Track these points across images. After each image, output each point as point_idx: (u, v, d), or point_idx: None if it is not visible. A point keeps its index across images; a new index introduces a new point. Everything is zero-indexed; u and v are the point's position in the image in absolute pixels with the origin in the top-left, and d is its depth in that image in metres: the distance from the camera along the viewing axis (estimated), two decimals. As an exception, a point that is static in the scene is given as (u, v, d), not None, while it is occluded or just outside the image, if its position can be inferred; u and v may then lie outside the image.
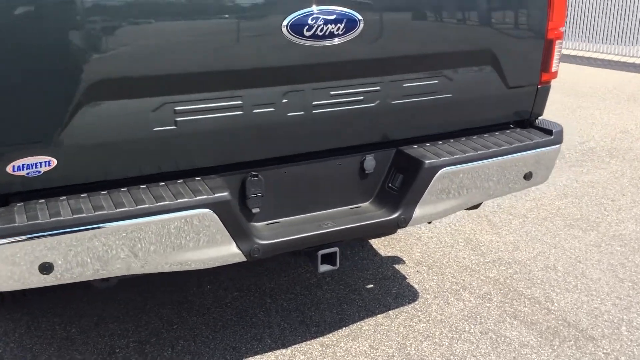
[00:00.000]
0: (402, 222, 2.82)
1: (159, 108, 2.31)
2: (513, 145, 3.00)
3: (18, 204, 2.22)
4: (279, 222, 2.74)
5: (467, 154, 2.88)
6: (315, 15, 2.43)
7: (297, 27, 2.41)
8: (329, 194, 2.84)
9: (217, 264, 2.50)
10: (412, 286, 3.93)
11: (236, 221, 2.45)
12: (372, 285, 3.93)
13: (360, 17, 2.53)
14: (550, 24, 3.02)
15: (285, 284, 3.92)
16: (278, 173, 2.69)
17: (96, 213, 2.21)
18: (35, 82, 2.10)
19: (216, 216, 2.39)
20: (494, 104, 3.07)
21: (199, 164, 2.49)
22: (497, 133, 3.14)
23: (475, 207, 3.34)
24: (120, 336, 3.39)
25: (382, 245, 4.44)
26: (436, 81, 2.85)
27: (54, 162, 2.22)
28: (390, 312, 3.65)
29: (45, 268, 2.19)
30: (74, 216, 2.18)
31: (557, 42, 3.06)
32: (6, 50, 2.03)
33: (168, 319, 3.55)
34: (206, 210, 2.37)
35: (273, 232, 2.63)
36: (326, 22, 2.45)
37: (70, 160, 2.25)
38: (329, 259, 2.76)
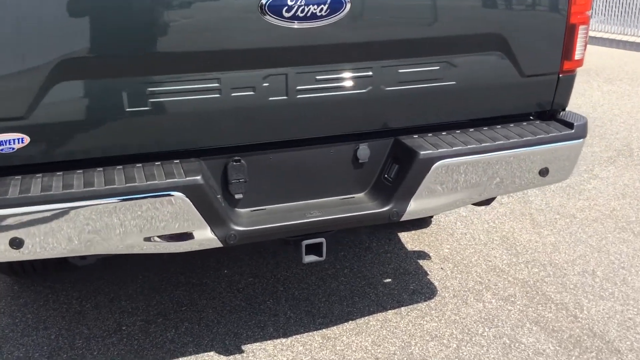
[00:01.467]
0: (395, 216, 2.68)
1: (132, 88, 2.30)
2: (523, 139, 2.78)
3: (-5, 179, 2.28)
4: (264, 209, 2.68)
5: (469, 146, 2.70)
6: (291, -3, 2.33)
7: (275, 8, 2.33)
8: (320, 183, 2.75)
9: (192, 249, 2.48)
10: (431, 283, 3.76)
11: (211, 205, 2.41)
12: (389, 280, 3.80)
13: (346, -1, 2.40)
14: (574, 8, 2.77)
15: (301, 273, 3.86)
16: (264, 159, 2.63)
17: (64, 191, 2.24)
18: (3, 60, 2.14)
19: (188, 200, 2.35)
20: (507, 93, 2.86)
21: (177, 146, 2.47)
22: (511, 125, 2.93)
23: (487, 202, 3.14)
24: (130, 314, 3.46)
25: (409, 239, 4.29)
26: (437, 67, 2.68)
27: (27, 139, 2.27)
28: (402, 308, 3.52)
29: (16, 243, 2.23)
30: (42, 193, 2.22)
31: (582, 27, 2.81)
32: None
33: (178, 300, 3.58)
34: (178, 193, 2.34)
35: (252, 219, 2.58)
36: (308, 2, 2.35)
37: (43, 138, 2.28)
38: (314, 249, 2.67)
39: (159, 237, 2.38)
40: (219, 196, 2.53)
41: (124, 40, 2.24)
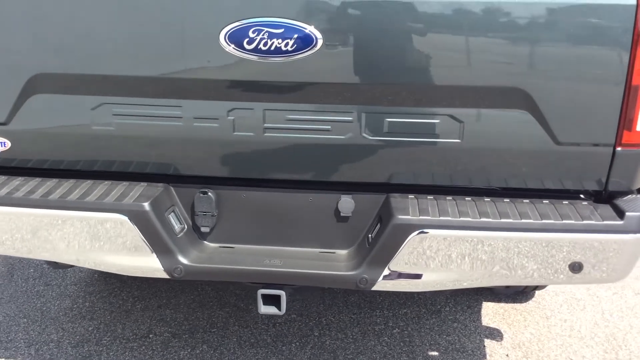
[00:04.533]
0: (364, 283, 2.34)
1: (97, 107, 2.36)
2: (541, 221, 2.22)
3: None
4: (232, 247, 2.54)
5: (464, 218, 2.24)
6: (257, 28, 2.16)
7: (235, 39, 2.19)
8: (300, 231, 2.52)
9: (138, 274, 2.46)
10: (481, 370, 3.22)
11: (156, 234, 2.35)
12: (435, 354, 3.34)
13: (317, 34, 2.16)
14: (639, 64, 2.13)
15: (347, 322, 3.59)
16: (234, 195, 2.49)
17: (22, 197, 2.37)
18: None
19: (133, 225, 2.33)
20: (535, 162, 2.30)
21: (144, 169, 2.46)
22: (544, 202, 2.35)
23: (508, 290, 2.57)
24: (164, 324, 3.56)
25: (493, 312, 3.72)
26: (436, 120, 2.27)
27: (8, 144, 2.45)
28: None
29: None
30: (5, 195, 2.38)
31: (650, 88, 2.15)
32: None
33: (213, 321, 3.58)
34: (123, 216, 2.33)
35: (205, 255, 2.45)
36: (271, 35, 2.16)
37: (21, 145, 2.45)
38: (274, 300, 2.45)
39: (102, 255, 2.39)
40: (179, 226, 2.46)
41: (87, 61, 2.30)
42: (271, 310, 2.45)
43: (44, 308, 3.71)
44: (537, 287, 3.67)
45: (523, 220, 2.22)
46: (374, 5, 2.15)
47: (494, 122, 2.25)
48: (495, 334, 3.52)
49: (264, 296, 2.44)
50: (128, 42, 2.26)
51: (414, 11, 2.16)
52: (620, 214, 2.22)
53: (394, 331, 3.52)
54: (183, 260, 2.39)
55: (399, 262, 2.28)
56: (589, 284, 2.47)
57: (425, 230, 2.23)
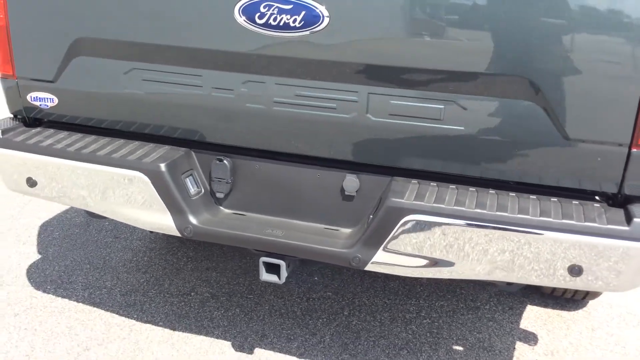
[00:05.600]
0: (357, 262, 2.37)
1: (129, 72, 2.55)
2: (538, 218, 2.13)
3: (35, 129, 2.81)
4: (244, 215, 2.66)
5: (456, 207, 2.20)
6: (268, 3, 2.25)
7: (248, 13, 2.29)
8: (307, 205, 2.58)
9: (154, 229, 2.63)
10: (502, 370, 3.13)
11: (170, 193, 2.52)
12: (460, 349, 3.29)
13: (324, 12, 2.21)
14: (660, 58, 1.98)
15: (380, 305, 3.62)
16: (249, 165, 2.60)
17: (60, 149, 2.63)
18: (42, 34, 2.61)
19: (150, 183, 2.52)
20: (542, 156, 2.20)
21: (169, 133, 2.63)
22: (552, 199, 2.25)
23: (511, 287, 2.49)
24: (207, 285, 3.76)
25: (538, 314, 3.59)
26: (440, 106, 2.24)
27: (56, 100, 2.72)
28: (438, 381, 3.04)
29: (31, 182, 2.73)
30: (46, 146, 2.65)
31: (669, 87, 1.99)
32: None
33: (252, 288, 3.73)
34: (142, 175, 2.52)
35: (215, 219, 2.58)
36: (281, 11, 2.24)
37: (66, 102, 2.71)
38: (276, 269, 2.55)
39: (123, 208, 2.60)
40: (195, 189, 2.61)
41: (117, 27, 2.49)
42: (272, 278, 2.55)
43: (107, 257, 4.04)
44: (587, 295, 3.49)
45: (519, 215, 2.14)
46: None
47: (499, 111, 2.18)
48: (530, 338, 3.39)
49: (265, 264, 2.53)
50: (153, 12, 2.42)
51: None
52: (629, 219, 2.08)
53: (424, 321, 3.49)
54: (193, 221, 2.53)
55: (392, 245, 2.29)
56: (595, 290, 2.32)
57: (418, 215, 2.22)
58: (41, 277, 3.80)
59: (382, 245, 2.30)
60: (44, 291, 3.65)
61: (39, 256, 4.03)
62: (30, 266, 3.91)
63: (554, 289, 3.48)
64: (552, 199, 2.24)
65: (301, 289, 3.75)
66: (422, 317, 3.53)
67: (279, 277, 2.52)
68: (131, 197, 2.57)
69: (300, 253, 2.45)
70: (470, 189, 2.33)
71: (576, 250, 2.11)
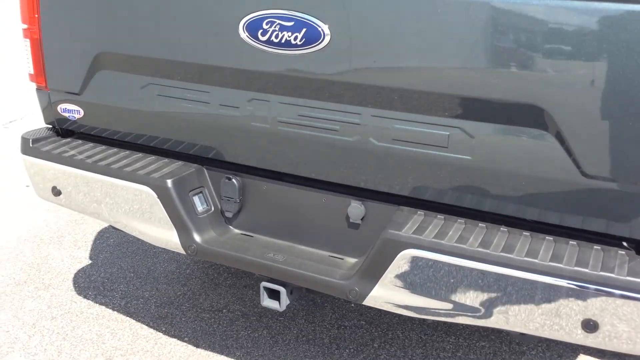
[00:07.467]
0: (354, 295, 2.22)
1: (145, 86, 2.56)
2: (547, 263, 1.89)
3: (65, 139, 2.88)
4: (251, 236, 2.58)
5: (457, 244, 2.00)
6: (270, 19, 2.17)
7: (251, 29, 2.22)
8: (313, 230, 2.47)
9: (162, 245, 2.61)
10: None
11: (176, 210, 2.49)
12: (491, 395, 3.03)
13: (325, 29, 2.10)
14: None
15: (412, 339, 3.42)
16: (257, 185, 2.52)
17: (78, 160, 2.68)
18: (70, 48, 2.68)
19: (157, 198, 2.50)
20: (561, 193, 1.96)
21: (184, 149, 2.61)
22: (571, 242, 2.00)
23: (526, 338, 2.23)
24: (241, 302, 3.71)
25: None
26: (446, 132, 2.06)
27: (82, 112, 2.78)
28: None
29: (56, 191, 2.80)
30: (68, 157, 2.71)
31: None
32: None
33: (284, 311, 3.64)
34: (149, 189, 2.51)
35: (221, 239, 2.52)
36: (282, 28, 2.16)
37: (91, 114, 2.76)
38: (277, 295, 2.45)
39: (132, 221, 2.59)
40: (204, 207, 2.57)
41: (132, 43, 2.51)
42: (273, 304, 2.44)
43: (152, 267, 4.10)
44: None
45: (524, 259, 1.91)
46: (383, 5, 2.02)
47: (509, 141, 1.97)
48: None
49: (267, 289, 2.43)
50: (163, 27, 2.41)
51: (426, 12, 1.97)
52: (651, 272, 1.80)
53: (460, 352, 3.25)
54: (197, 239, 2.49)
55: (389, 280, 2.12)
56: (613, 350, 2.00)
57: (415, 250, 2.04)
58: (86, 282, 3.90)
59: (380, 280, 2.14)
60: (85, 297, 3.75)
61: (89, 262, 4.15)
62: (79, 271, 4.03)
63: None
64: (570, 242, 1.98)
65: (335, 314, 3.61)
66: (458, 357, 3.28)
67: (279, 304, 2.41)
68: (140, 211, 2.56)
69: (296, 280, 2.33)
70: (480, 224, 2.11)
71: (590, 303, 1.85)
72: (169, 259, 4.22)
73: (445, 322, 3.50)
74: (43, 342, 3.33)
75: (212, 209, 2.60)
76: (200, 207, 2.56)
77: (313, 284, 2.30)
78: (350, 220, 2.35)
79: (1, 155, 5.98)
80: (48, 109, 2.86)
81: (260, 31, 2.19)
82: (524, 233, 2.06)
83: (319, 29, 2.09)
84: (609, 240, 1.99)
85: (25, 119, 7.07)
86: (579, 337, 1.91)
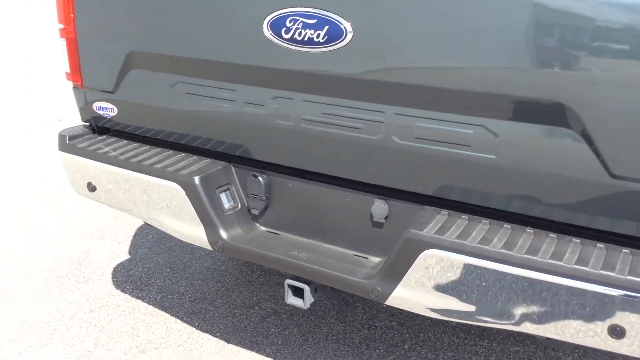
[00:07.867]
0: (376, 294, 2.20)
1: (174, 85, 2.60)
2: (572, 266, 1.84)
3: (101, 137, 2.96)
4: (277, 234, 2.59)
5: (479, 245, 1.97)
6: (293, 17, 2.18)
7: (275, 27, 2.23)
8: (337, 229, 2.46)
9: (189, 241, 2.64)
10: None
11: (203, 207, 2.52)
12: (523, 401, 2.96)
13: (347, 27, 2.09)
14: None
15: (444, 342, 3.37)
16: (282, 183, 2.53)
17: (112, 156, 2.74)
18: (103, 47, 2.74)
19: (185, 195, 2.54)
20: (586, 194, 1.90)
21: (213, 147, 2.64)
22: (599, 245, 1.94)
23: (552, 343, 2.17)
24: (274, 300, 3.74)
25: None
26: (470, 131, 2.02)
27: (116, 110, 2.85)
28: None
29: (91, 187, 2.88)
30: (102, 153, 2.78)
31: None
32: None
33: (316, 309, 3.65)
34: (177, 186, 2.55)
35: (247, 236, 2.54)
36: (305, 26, 2.16)
37: (124, 112, 2.82)
38: (301, 293, 2.45)
39: (161, 216, 2.64)
40: (230, 204, 2.59)
41: (161, 42, 2.55)
42: (297, 302, 2.45)
43: (188, 263, 4.16)
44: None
45: (549, 261, 1.86)
46: (405, 2, 1.99)
47: (534, 140, 1.91)
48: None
49: (291, 287, 2.43)
50: (189, 25, 2.44)
51: (447, 8, 1.94)
52: (686, 278, 1.72)
53: (489, 364, 3.18)
54: (224, 236, 2.51)
55: (411, 280, 2.10)
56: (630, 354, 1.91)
57: (437, 250, 2.01)
58: (124, 276, 3.99)
59: (402, 280, 2.11)
60: (122, 290, 3.83)
61: (128, 257, 4.25)
62: (117, 265, 4.13)
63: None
64: (598, 245, 1.92)
65: (366, 315, 3.59)
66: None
67: (303, 301, 2.41)
68: (169, 207, 2.60)
69: (320, 278, 2.33)
70: (506, 225, 2.06)
71: (617, 308, 1.78)
72: (204, 255, 4.27)
73: (478, 326, 3.44)
74: (80, 334, 3.42)
75: (239, 206, 2.62)
76: (227, 204, 2.58)
77: (336, 283, 2.29)
78: (374, 219, 2.33)
79: (45, 155, 6.14)
80: (84, 107, 2.94)
81: (284, 29, 2.19)
82: (550, 235, 2.00)
83: (342, 26, 2.08)
84: (638, 243, 1.92)
85: (70, 117, 7.28)
86: (607, 343, 1.84)
